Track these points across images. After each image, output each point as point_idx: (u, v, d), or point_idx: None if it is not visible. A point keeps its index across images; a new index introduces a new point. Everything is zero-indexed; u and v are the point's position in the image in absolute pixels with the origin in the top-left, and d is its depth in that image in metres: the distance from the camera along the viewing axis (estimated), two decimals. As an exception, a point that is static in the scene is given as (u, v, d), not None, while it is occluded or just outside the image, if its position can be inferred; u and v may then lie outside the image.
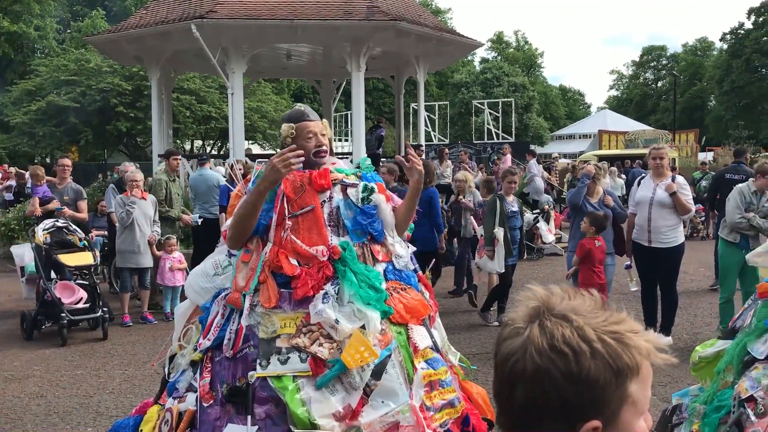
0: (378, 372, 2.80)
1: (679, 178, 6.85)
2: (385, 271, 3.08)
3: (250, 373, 2.81)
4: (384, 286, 2.98)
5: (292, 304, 2.92)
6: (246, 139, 30.21)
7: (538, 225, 12.40)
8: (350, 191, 3.15)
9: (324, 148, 3.15)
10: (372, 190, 3.17)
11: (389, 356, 2.83)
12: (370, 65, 15.19)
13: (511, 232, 7.67)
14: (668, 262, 6.77)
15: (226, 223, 3.25)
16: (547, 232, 12.34)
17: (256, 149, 29.31)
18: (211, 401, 2.89)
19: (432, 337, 3.09)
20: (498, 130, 25.83)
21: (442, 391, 2.95)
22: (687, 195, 6.74)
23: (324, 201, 3.09)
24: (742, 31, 57.53)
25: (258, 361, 2.83)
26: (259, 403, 2.78)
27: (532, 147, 28.13)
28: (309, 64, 18.12)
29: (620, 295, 8.42)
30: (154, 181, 8.86)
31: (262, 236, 3.06)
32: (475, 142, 25.71)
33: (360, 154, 13.74)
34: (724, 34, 59.91)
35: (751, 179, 7.10)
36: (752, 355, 3.04)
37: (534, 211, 13.16)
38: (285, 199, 3.05)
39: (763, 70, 56.41)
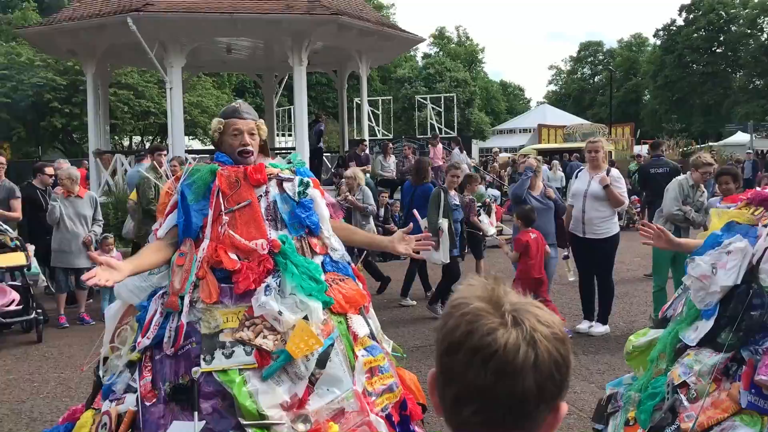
0: (322, 361, 2.84)
1: (614, 171, 7.00)
2: (323, 263, 3.12)
3: (194, 369, 2.79)
4: (323, 277, 3.02)
5: (234, 298, 2.92)
6: (186, 134, 29.63)
7: (480, 218, 12.55)
8: (286, 185, 3.17)
9: (249, 148, 3.14)
10: (308, 185, 3.21)
11: (332, 345, 2.89)
12: (312, 59, 15.11)
13: (453, 225, 7.76)
14: (603, 253, 6.94)
15: (157, 222, 3.21)
16: (489, 225, 12.50)
17: (196, 145, 28.84)
18: (154, 400, 2.85)
19: (369, 325, 3.16)
20: (441, 125, 26.00)
21: (381, 376, 3.03)
22: (620, 188, 6.91)
23: (260, 195, 3.10)
24: (674, 28, 59.44)
25: (202, 356, 2.81)
26: (205, 398, 2.77)
27: (474, 141, 28.50)
28: (250, 59, 17.91)
29: (559, 285, 8.61)
30: (140, 180, 8.55)
31: (197, 237, 3.04)
32: (418, 137, 25.83)
33: (303, 149, 13.67)
34: (657, 30, 61.81)
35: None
36: (684, 343, 3.14)
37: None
38: (220, 194, 3.04)
39: (694, 65, 58.42)
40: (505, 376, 1.00)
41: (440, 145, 16.79)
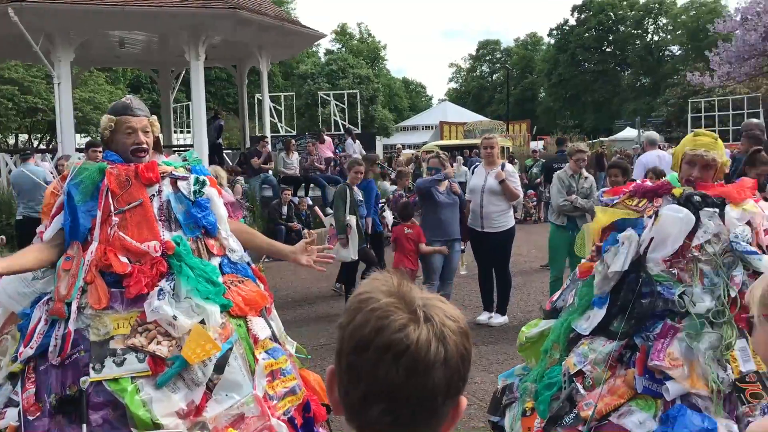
0: (220, 366, 2.76)
1: (508, 166, 7.25)
2: (220, 264, 3.02)
3: (83, 378, 2.66)
4: (221, 279, 2.93)
5: (125, 303, 2.80)
6: (78, 132, 28.27)
7: (384, 213, 12.65)
8: (181, 184, 3.05)
9: (143, 146, 3.02)
10: (204, 183, 3.09)
11: (231, 349, 2.81)
12: (210, 54, 14.72)
13: (360, 220, 7.78)
14: (500, 246, 7.16)
15: (42, 225, 3.04)
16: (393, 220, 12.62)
17: (90, 143, 27.56)
18: (38, 413, 2.69)
19: (270, 327, 3.09)
20: (344, 121, 26.00)
21: (283, 379, 2.96)
22: (515, 182, 7.14)
23: (153, 195, 2.97)
24: (567, 27, 61.95)
25: (91, 365, 2.68)
26: (94, 409, 2.63)
27: (378, 138, 28.55)
28: (145, 53, 17.25)
29: (458, 279, 8.77)
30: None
31: (85, 240, 2.88)
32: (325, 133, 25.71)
33: (201, 146, 13.32)
34: (551, 29, 64.28)
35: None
36: (577, 332, 3.22)
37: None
38: (109, 194, 2.90)
39: (586, 64, 61.11)
40: (416, 373, 1.00)
41: (328, 139, 16.85)
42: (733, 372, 2.78)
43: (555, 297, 3.79)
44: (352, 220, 7.60)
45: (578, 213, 7.18)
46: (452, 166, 7.47)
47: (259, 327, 3.01)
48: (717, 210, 3.10)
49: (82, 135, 27.61)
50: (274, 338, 3.09)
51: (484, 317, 7.26)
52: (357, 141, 17.73)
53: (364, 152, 16.21)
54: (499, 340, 6.65)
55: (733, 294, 2.92)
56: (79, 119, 27.73)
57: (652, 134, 10.48)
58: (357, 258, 7.73)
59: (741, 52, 17.04)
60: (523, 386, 3.44)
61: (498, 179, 6.95)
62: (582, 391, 3.02)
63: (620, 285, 3.13)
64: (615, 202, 3.51)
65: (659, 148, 9.58)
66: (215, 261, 3.00)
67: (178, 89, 20.07)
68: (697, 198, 3.16)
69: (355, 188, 7.97)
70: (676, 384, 2.80)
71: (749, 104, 28.18)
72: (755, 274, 2.88)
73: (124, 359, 2.69)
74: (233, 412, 2.75)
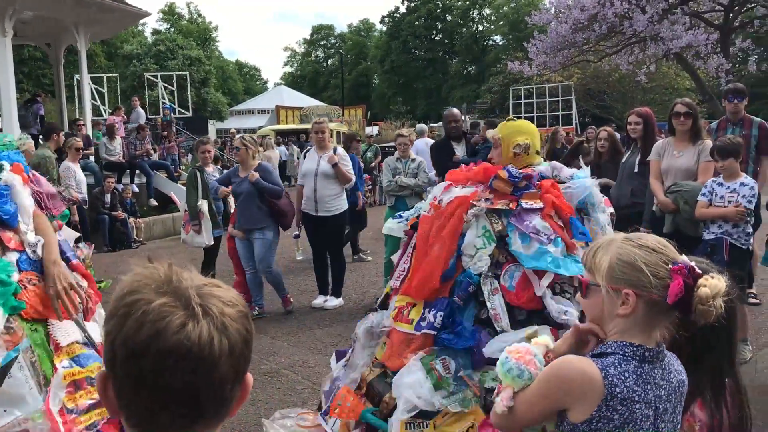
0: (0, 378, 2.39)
1: (340, 150, 7.31)
2: (18, 260, 2.65)
3: None
4: (16, 277, 2.56)
5: None
6: None
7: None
8: None
9: None
10: (1, 168, 2.74)
11: (16, 358, 2.45)
12: (20, 31, 13.48)
13: (215, 203, 7.45)
14: (334, 229, 7.21)
15: None
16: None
17: None
18: None
19: (85, 330, 2.74)
20: (174, 104, 24.95)
21: (90, 390, 2.62)
22: (347, 165, 7.20)
23: None
24: (398, 15, 63.45)
25: None
26: None
27: (211, 122, 27.66)
28: (-60, 26, 15.47)
29: (290, 263, 8.77)
30: (40, 158, 7.24)
31: None
32: (150, 116, 24.51)
33: (12, 129, 12.18)
34: (383, 17, 65.57)
35: None
36: None
37: None
38: None
39: (417, 51, 63.01)
40: (203, 372, 0.95)
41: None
42: None
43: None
44: (203, 204, 7.23)
45: (407, 192, 7.34)
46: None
47: (64, 331, 2.65)
48: None
49: None
50: (88, 343, 2.75)
51: (319, 300, 7.28)
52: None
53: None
54: (333, 322, 6.70)
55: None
56: None
57: (422, 126, 14.48)
58: (212, 243, 7.39)
59: (555, 43, 18.27)
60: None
61: (331, 163, 6.98)
62: None
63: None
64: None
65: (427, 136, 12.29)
66: (12, 256, 2.63)
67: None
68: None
69: (208, 169, 7.60)
70: None
71: (563, 92, 30.51)
72: None
73: None
74: (14, 429, 2.40)
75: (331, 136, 24.98)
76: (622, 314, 1.67)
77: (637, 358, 1.65)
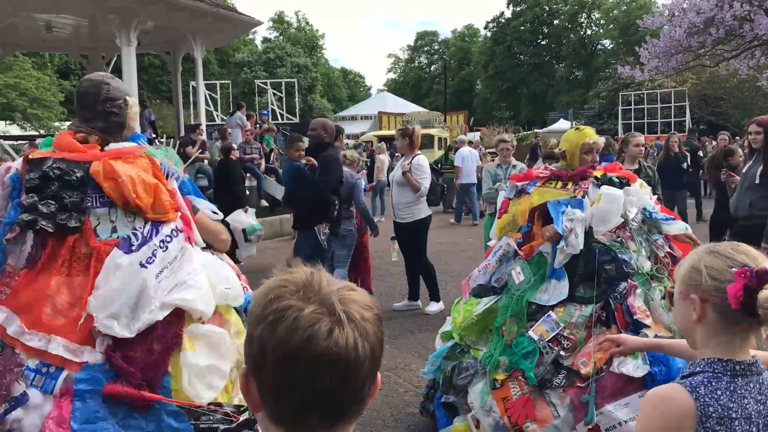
0: None
1: (417, 159, 7.05)
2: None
3: None
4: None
5: None
6: (2, 119, 27.18)
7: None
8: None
9: None
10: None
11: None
12: (142, 40, 14.32)
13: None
14: (409, 236, 7.13)
15: None
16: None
17: (15, 130, 26.48)
18: None
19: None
20: (282, 110, 25.73)
21: None
22: (420, 175, 6.96)
23: None
24: (503, 20, 62.77)
25: None
26: None
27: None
28: (73, 37, 16.62)
29: (386, 264, 8.87)
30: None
31: None
32: (258, 122, 25.41)
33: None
34: (488, 22, 64.99)
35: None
36: (537, 304, 3.51)
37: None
38: None
39: (522, 56, 62.11)
40: (349, 375, 1.02)
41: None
42: None
43: (475, 274, 4.01)
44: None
45: None
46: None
47: None
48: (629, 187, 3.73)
49: (7, 122, 26.51)
50: None
51: (433, 308, 7.24)
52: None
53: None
54: (436, 327, 6.68)
55: (661, 254, 3.61)
56: (3, 105, 26.62)
57: (462, 136, 15.72)
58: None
59: (668, 48, 17.59)
60: (485, 361, 3.57)
61: (403, 170, 6.99)
62: (562, 353, 3.35)
63: (573, 259, 3.52)
64: (536, 185, 3.85)
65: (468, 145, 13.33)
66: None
67: (109, 76, 19.43)
68: (615, 179, 3.72)
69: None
70: (650, 330, 3.30)
71: (676, 98, 29.24)
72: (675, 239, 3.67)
73: None
74: None
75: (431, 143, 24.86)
76: (695, 321, 1.64)
77: (728, 373, 1.58)
